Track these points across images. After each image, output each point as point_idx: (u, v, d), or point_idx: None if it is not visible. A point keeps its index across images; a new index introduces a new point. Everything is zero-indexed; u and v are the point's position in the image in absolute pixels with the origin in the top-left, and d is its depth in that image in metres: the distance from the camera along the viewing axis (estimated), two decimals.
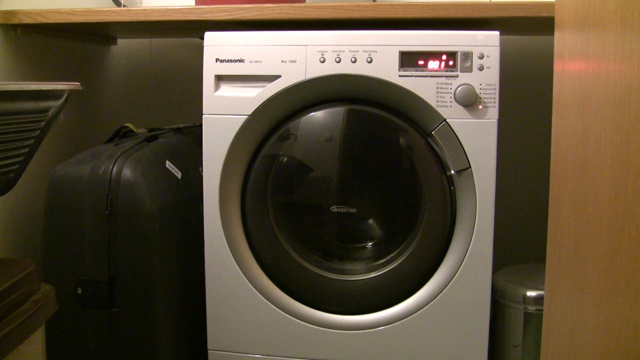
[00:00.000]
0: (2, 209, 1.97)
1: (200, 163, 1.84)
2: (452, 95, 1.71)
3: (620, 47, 1.00)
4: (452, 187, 1.77)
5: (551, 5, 1.45)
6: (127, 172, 1.77)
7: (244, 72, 1.80)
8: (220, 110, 1.81)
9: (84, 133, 2.41)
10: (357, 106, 1.82)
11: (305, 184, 1.91)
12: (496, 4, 1.76)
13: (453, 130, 1.72)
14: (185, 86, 2.65)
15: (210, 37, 1.82)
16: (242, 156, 1.84)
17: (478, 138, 1.72)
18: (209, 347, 1.91)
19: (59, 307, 1.52)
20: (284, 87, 1.78)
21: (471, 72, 1.71)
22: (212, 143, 1.82)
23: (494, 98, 1.71)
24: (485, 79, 1.71)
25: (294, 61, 1.77)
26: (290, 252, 1.87)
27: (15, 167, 1.46)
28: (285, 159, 1.86)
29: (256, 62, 1.79)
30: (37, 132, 1.45)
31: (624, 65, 0.98)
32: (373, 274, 1.85)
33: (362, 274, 1.87)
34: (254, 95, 1.79)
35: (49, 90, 1.44)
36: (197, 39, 2.55)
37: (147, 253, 1.79)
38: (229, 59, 1.81)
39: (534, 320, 1.94)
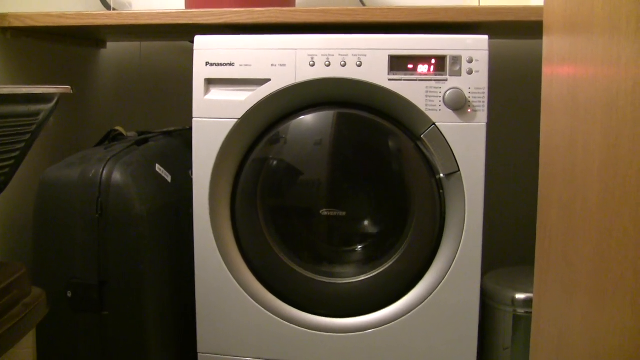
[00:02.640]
0: None
1: (190, 166, 1.84)
2: (441, 99, 1.72)
3: (607, 52, 1.01)
4: (441, 191, 1.78)
5: (540, 9, 1.45)
6: (117, 176, 1.77)
7: (234, 76, 1.80)
8: (210, 114, 1.81)
9: (73, 136, 2.40)
10: (346, 110, 1.83)
11: (295, 188, 1.92)
12: (485, 8, 1.77)
13: (442, 134, 1.73)
14: (175, 90, 2.65)
15: (201, 41, 1.82)
16: (232, 160, 1.84)
17: (467, 142, 1.73)
18: (199, 350, 1.91)
19: (49, 310, 1.52)
20: (273, 90, 1.78)
21: (460, 76, 1.72)
22: (202, 146, 1.82)
23: (483, 102, 1.71)
24: (474, 82, 1.72)
25: (284, 65, 1.78)
26: (280, 255, 1.87)
27: (6, 170, 1.46)
28: (275, 162, 1.86)
29: (246, 65, 1.80)
30: (28, 136, 1.45)
31: (611, 70, 0.99)
32: (363, 277, 1.86)
33: (352, 277, 1.87)
34: (243, 99, 1.79)
35: (39, 93, 1.44)
36: (187, 43, 2.55)
37: (137, 256, 1.79)
38: (219, 62, 1.81)
39: (523, 322, 1.95)
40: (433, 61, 1.73)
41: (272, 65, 1.78)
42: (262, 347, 1.88)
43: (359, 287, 1.85)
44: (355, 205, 1.91)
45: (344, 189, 1.91)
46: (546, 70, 1.36)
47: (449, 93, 1.71)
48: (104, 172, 1.77)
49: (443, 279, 1.78)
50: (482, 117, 1.72)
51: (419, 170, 1.79)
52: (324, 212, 1.87)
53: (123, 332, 1.80)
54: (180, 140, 2.15)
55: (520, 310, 1.95)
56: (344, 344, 1.84)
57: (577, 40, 1.17)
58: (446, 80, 1.72)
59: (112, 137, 2.10)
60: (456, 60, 1.72)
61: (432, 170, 1.77)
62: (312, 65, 1.76)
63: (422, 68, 1.73)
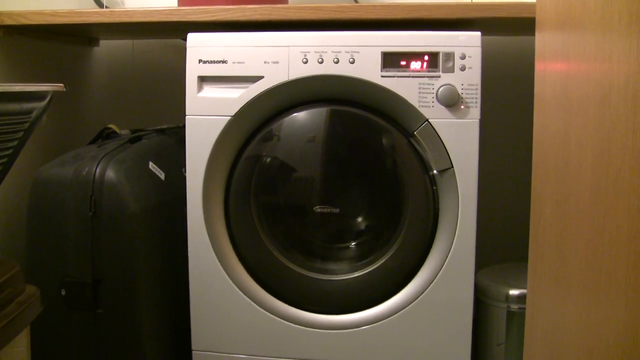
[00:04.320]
0: None
1: (183, 164, 1.84)
2: (434, 95, 1.72)
3: (600, 48, 1.01)
4: (434, 187, 1.78)
5: (532, 5, 1.46)
6: (110, 174, 1.77)
7: (226, 73, 1.80)
8: (204, 112, 1.81)
9: (66, 134, 2.40)
10: (339, 107, 1.83)
11: (289, 185, 1.92)
12: (477, 5, 1.77)
13: (435, 131, 1.73)
14: (168, 87, 2.65)
15: (193, 39, 1.82)
16: (225, 157, 1.84)
17: (460, 138, 1.73)
18: (193, 348, 1.91)
19: (43, 308, 1.52)
20: (266, 87, 1.78)
21: (453, 72, 1.72)
22: (196, 144, 1.82)
23: (476, 98, 1.72)
24: (467, 79, 1.72)
25: (277, 62, 1.78)
26: (273, 252, 1.87)
27: None
28: (268, 159, 1.86)
29: (239, 63, 1.80)
30: (21, 134, 1.45)
31: (604, 65, 0.99)
32: (356, 274, 1.86)
33: (346, 274, 1.87)
34: (237, 96, 1.79)
35: (32, 91, 1.44)
36: (179, 40, 2.55)
37: (131, 254, 1.79)
38: (212, 60, 1.81)
39: (516, 318, 1.95)
40: (426, 58, 1.73)
41: (265, 62, 1.78)
42: (255, 344, 1.88)
43: (353, 284, 1.85)
44: (349, 202, 1.91)
45: (338, 185, 1.91)
46: (539, 67, 1.36)
47: (441, 89, 1.71)
48: (98, 170, 1.77)
49: (437, 275, 1.78)
50: (475, 113, 1.72)
51: (412, 167, 1.79)
52: (318, 209, 1.88)
53: (117, 330, 1.80)
54: (174, 138, 2.15)
55: (514, 306, 1.96)
56: (337, 340, 1.85)
57: (569, 37, 1.17)
58: (439, 76, 1.72)
59: (105, 135, 2.10)
60: (449, 56, 1.72)
61: (425, 167, 1.77)
62: (305, 63, 1.76)
63: (415, 65, 1.73)
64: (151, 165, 1.92)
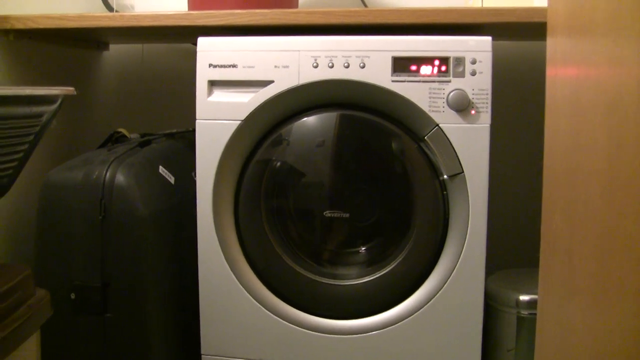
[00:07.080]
0: None
1: (193, 168, 1.84)
2: (444, 100, 1.72)
3: (611, 53, 1.00)
4: (444, 192, 1.78)
5: (543, 10, 1.45)
6: (120, 178, 1.77)
7: (237, 78, 1.80)
8: (214, 116, 1.81)
9: (76, 138, 2.40)
10: (349, 111, 1.82)
11: (298, 189, 1.92)
12: (488, 10, 1.77)
13: (446, 135, 1.73)
14: (177, 91, 2.65)
15: (203, 43, 1.82)
16: (235, 161, 1.84)
17: (471, 143, 1.72)
18: (202, 352, 1.91)
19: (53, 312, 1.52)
20: (276, 92, 1.78)
21: (463, 77, 1.72)
22: (206, 148, 1.82)
23: (487, 103, 1.71)
24: (478, 84, 1.71)
25: (287, 66, 1.77)
26: (283, 256, 1.87)
27: (9, 172, 1.46)
28: (278, 164, 1.86)
29: (249, 67, 1.80)
30: (31, 137, 1.45)
31: (615, 71, 0.98)
32: (366, 279, 1.85)
33: (355, 279, 1.87)
34: (247, 101, 1.79)
35: (43, 95, 1.44)
36: (189, 45, 2.55)
37: (140, 258, 1.79)
38: (222, 64, 1.81)
39: (526, 324, 1.95)
40: (436, 62, 1.73)
41: (275, 66, 1.78)
42: (265, 348, 1.88)
43: (363, 289, 1.85)
44: (359, 206, 1.91)
45: (347, 190, 1.91)
46: (550, 72, 1.36)
47: (452, 94, 1.71)
48: (107, 173, 1.77)
49: (447, 280, 1.77)
50: (485, 118, 1.72)
51: (423, 172, 1.79)
52: (327, 213, 1.87)
53: (125, 334, 1.80)
54: (183, 142, 2.15)
55: (524, 312, 1.95)
56: (347, 345, 1.84)
57: (580, 42, 1.17)
58: (449, 81, 1.72)
59: (115, 139, 2.10)
60: (459, 61, 1.72)
61: (436, 172, 1.77)
62: (315, 67, 1.76)
63: (426, 69, 1.73)
64: (161, 169, 1.92)
